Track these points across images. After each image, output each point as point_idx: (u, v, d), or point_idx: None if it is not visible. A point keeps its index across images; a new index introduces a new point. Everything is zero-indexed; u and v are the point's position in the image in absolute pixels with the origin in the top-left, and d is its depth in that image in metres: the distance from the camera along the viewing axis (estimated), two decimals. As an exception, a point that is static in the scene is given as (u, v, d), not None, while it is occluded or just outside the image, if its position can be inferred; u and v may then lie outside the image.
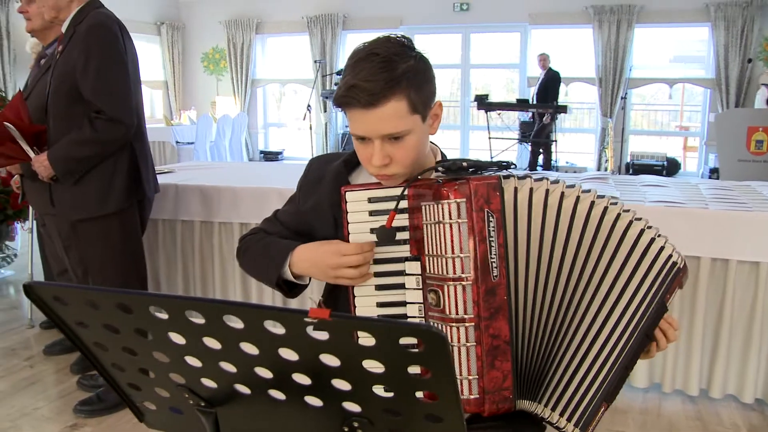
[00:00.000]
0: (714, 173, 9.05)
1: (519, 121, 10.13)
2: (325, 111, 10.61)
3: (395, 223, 1.36)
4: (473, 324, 1.26)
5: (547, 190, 1.31)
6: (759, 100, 6.90)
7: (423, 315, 1.34)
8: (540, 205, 1.30)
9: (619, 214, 1.32)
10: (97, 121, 2.45)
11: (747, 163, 5.47)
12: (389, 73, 1.27)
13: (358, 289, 1.42)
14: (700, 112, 10.70)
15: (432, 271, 1.31)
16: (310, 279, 1.54)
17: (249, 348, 0.77)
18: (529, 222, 1.30)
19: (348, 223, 1.43)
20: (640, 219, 1.35)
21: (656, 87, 10.84)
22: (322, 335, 0.71)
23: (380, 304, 1.41)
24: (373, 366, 0.74)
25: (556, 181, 1.33)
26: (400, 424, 0.82)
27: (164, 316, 0.78)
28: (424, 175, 1.35)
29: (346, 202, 1.43)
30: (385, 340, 0.70)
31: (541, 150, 9.67)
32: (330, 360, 0.75)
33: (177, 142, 9.04)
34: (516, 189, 1.30)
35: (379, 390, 0.78)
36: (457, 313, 1.26)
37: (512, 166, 1.39)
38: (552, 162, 9.54)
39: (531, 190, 1.30)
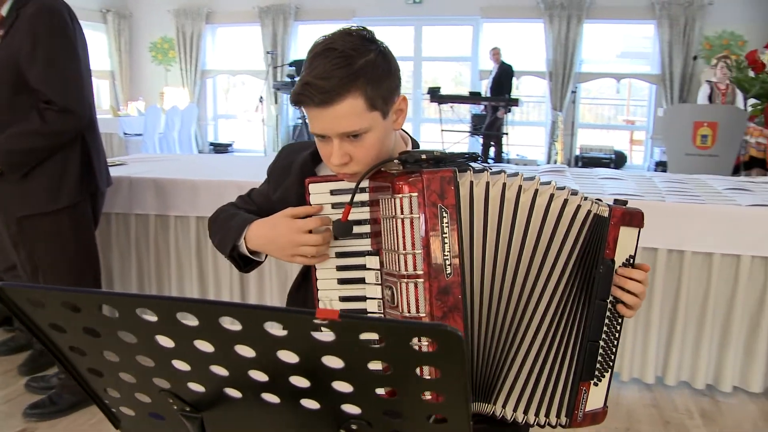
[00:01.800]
0: (659, 166, 9.28)
1: (471, 113, 10.20)
2: (276, 102, 10.48)
3: (356, 216, 1.34)
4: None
5: (504, 184, 1.26)
6: (701, 96, 7.08)
7: (382, 310, 1.32)
8: (497, 199, 1.26)
9: (579, 205, 1.29)
10: (47, 112, 2.34)
11: (693, 156, 5.62)
12: (345, 70, 1.22)
13: (321, 282, 1.40)
14: (646, 106, 10.96)
15: (388, 267, 1.27)
16: (266, 256, 1.50)
17: (245, 351, 0.74)
18: (485, 217, 1.26)
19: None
20: (604, 208, 1.32)
21: (604, 82, 11.04)
22: (328, 336, 0.68)
23: (343, 299, 1.39)
24: (377, 367, 0.72)
25: (515, 174, 1.28)
26: (401, 425, 0.80)
27: (153, 318, 0.74)
28: (385, 167, 1.30)
29: (309, 193, 1.40)
30: (396, 341, 0.67)
31: (492, 143, 9.75)
32: (333, 362, 0.72)
33: (125, 133, 8.80)
34: (472, 183, 1.24)
35: (381, 391, 0.76)
36: (409, 312, 1.22)
37: (478, 159, 1.36)
38: (503, 154, 9.63)
39: (488, 183, 1.25)
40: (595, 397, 1.37)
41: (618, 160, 10.27)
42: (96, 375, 0.89)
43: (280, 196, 1.53)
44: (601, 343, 1.35)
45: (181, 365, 0.81)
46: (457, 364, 0.68)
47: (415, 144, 1.53)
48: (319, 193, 1.41)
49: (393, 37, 11.15)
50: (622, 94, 11.65)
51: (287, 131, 11.00)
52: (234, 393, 0.83)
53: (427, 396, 0.76)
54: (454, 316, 1.22)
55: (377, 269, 1.33)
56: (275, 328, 0.70)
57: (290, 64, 8.59)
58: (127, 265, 3.40)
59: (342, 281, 1.39)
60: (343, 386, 0.76)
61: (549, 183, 1.31)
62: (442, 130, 9.39)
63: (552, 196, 1.29)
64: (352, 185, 1.36)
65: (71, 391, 2.67)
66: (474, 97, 9.29)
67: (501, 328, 1.31)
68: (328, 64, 1.22)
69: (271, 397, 0.81)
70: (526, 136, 11.34)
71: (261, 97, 8.48)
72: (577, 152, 10.33)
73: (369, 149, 1.31)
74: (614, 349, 1.38)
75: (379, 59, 1.28)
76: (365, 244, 1.36)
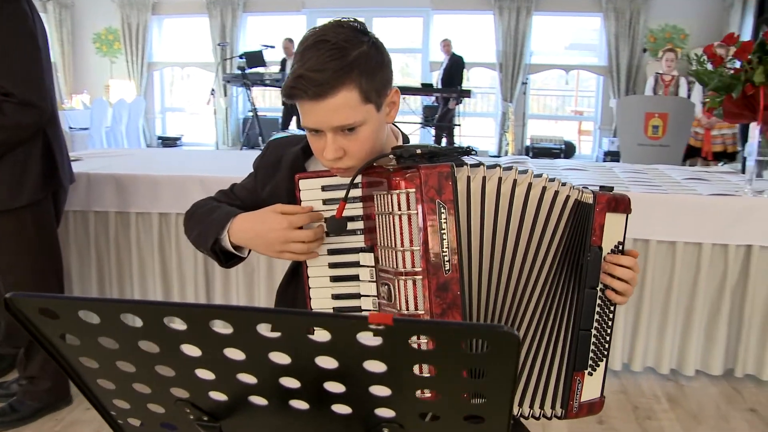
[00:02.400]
0: (608, 156, 9.48)
1: (422, 105, 10.22)
2: (225, 95, 10.30)
3: (349, 212, 1.31)
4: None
5: (500, 178, 1.25)
6: (648, 87, 7.26)
7: (377, 308, 1.29)
8: (493, 193, 1.24)
9: (567, 195, 1.29)
10: (5, 105, 2.23)
11: (645, 147, 5.75)
12: (339, 62, 1.19)
13: (313, 280, 1.36)
14: (594, 97, 11.17)
15: (384, 264, 1.25)
16: (249, 251, 1.46)
17: (280, 357, 0.71)
18: (482, 212, 1.24)
19: None
20: (588, 195, 1.31)
21: (553, 73, 11.20)
22: (375, 341, 0.66)
23: (335, 296, 1.35)
24: (422, 370, 0.70)
25: (509, 168, 1.27)
26: (436, 426, 0.78)
27: (182, 327, 0.70)
28: (379, 162, 1.27)
29: (299, 190, 1.37)
30: (447, 343, 0.65)
31: (444, 134, 9.80)
32: (374, 366, 0.70)
33: (70, 127, 8.52)
34: (469, 178, 1.23)
35: (422, 394, 0.74)
36: (407, 309, 1.20)
37: (472, 153, 1.35)
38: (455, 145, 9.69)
39: (484, 178, 1.24)
40: (590, 387, 1.37)
41: (567, 150, 10.45)
42: (106, 386, 0.85)
43: (270, 191, 1.49)
44: (594, 332, 1.35)
45: (205, 374, 0.77)
46: (508, 365, 0.67)
47: (406, 138, 1.51)
48: (309, 188, 1.38)
49: (344, 28, 11.09)
50: (570, 85, 11.85)
51: (237, 124, 10.83)
52: (259, 401, 0.80)
53: (468, 397, 0.74)
54: (453, 312, 1.21)
55: (372, 266, 1.30)
56: (319, 335, 0.67)
57: (240, 56, 8.43)
58: (86, 265, 3.29)
59: (335, 279, 1.36)
60: (381, 390, 0.74)
61: (541, 175, 1.30)
62: (394, 122, 9.36)
63: (544, 188, 1.28)
64: (344, 181, 1.33)
65: (33, 398, 2.58)
66: (426, 89, 9.30)
67: (496, 322, 1.30)
68: (321, 57, 1.19)
69: (299, 404, 0.79)
70: (476, 127, 11.44)
71: (213, 90, 8.32)
72: (528, 143, 10.47)
73: (363, 143, 1.28)
74: (608, 338, 1.38)
75: (372, 51, 1.25)
76: (358, 241, 1.33)
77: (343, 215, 1.30)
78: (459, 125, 9.49)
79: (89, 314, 0.74)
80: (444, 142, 9.80)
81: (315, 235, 1.31)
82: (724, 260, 2.92)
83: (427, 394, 0.75)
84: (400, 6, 10.37)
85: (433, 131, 10.01)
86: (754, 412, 2.76)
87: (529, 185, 1.27)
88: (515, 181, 1.27)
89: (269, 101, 11.47)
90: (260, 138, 8.16)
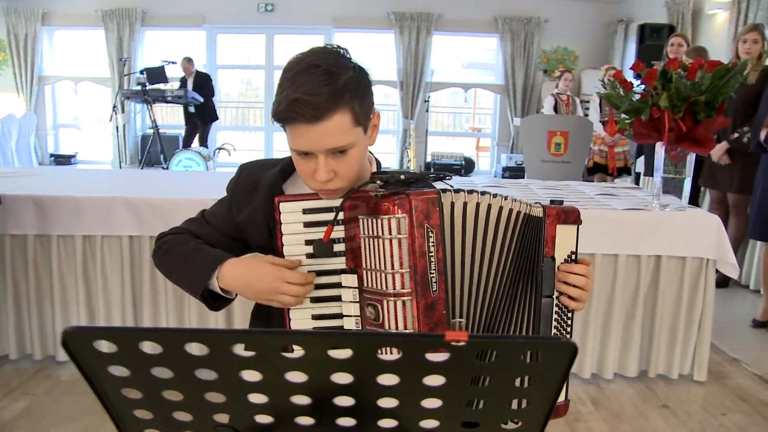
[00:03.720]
0: (507, 171, 9.86)
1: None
2: (123, 112, 9.96)
3: (322, 235, 1.34)
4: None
5: (478, 203, 1.34)
6: (547, 107, 7.62)
7: (360, 327, 1.33)
8: (472, 216, 1.33)
9: (519, 212, 1.36)
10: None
11: (548, 163, 6.04)
12: (332, 86, 1.23)
13: None
14: (491, 115, 11.58)
15: (370, 286, 1.30)
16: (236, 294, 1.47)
17: (342, 378, 0.75)
18: (463, 234, 1.33)
19: (282, 234, 1.39)
20: (538, 209, 1.38)
21: (452, 91, 11.54)
22: (442, 357, 0.71)
23: (316, 317, 1.38)
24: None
25: (484, 193, 1.36)
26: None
27: (248, 353, 0.72)
28: (363, 188, 1.32)
29: (279, 213, 1.39)
30: (506, 356, 0.71)
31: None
32: (434, 380, 0.75)
33: (-46, 145, 8.01)
34: (453, 203, 1.31)
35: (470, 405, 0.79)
36: (396, 328, 1.25)
37: (447, 177, 1.42)
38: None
39: (465, 203, 1.33)
40: None
41: (467, 166, 10.77)
42: (144, 416, 0.85)
43: (247, 215, 1.49)
44: None
45: (258, 398, 0.79)
46: (560, 373, 0.73)
47: (378, 162, 1.56)
48: (290, 212, 1.40)
49: (244, 45, 11.00)
50: (469, 103, 12.24)
51: (135, 141, 10.49)
52: (306, 421, 0.83)
53: (513, 404, 0.80)
54: (439, 330, 1.27)
55: (355, 287, 1.35)
56: (389, 354, 0.71)
57: (141, 72, 8.19)
58: (1, 292, 3.12)
59: (315, 300, 1.39)
60: (432, 402, 0.79)
61: (506, 197, 1.38)
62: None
63: (501, 207, 1.35)
64: (326, 204, 1.37)
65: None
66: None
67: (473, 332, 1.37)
68: (315, 81, 1.23)
69: (347, 421, 0.82)
70: (378, 144, 11.56)
71: (114, 106, 8.03)
72: (429, 159, 10.71)
73: (353, 165, 1.32)
74: None
75: (360, 75, 1.31)
76: (339, 263, 1.37)
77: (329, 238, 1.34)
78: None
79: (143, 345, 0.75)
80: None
81: (304, 291, 1.34)
82: (637, 270, 3.14)
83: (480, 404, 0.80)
84: (302, 24, 10.38)
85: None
86: (666, 408, 2.97)
87: (500, 208, 1.36)
88: (489, 205, 1.35)
89: (169, 118, 11.19)
90: (162, 156, 7.94)
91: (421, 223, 1.26)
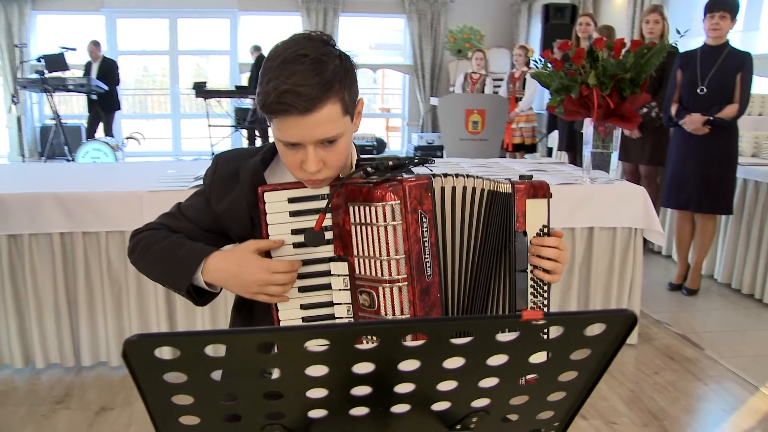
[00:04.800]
0: (418, 150, 9.99)
1: (234, 108, 10.04)
2: (18, 102, 9.39)
3: (309, 224, 1.33)
4: (346, 322, 1.28)
5: (465, 187, 1.36)
6: (458, 85, 7.76)
7: (352, 315, 1.33)
8: (459, 199, 1.35)
9: (489, 190, 1.38)
10: None
11: (467, 141, 6.17)
12: (322, 76, 1.20)
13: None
14: (400, 95, 11.68)
15: (363, 273, 1.29)
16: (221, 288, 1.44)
17: (408, 365, 0.75)
18: (453, 217, 1.35)
19: (267, 224, 1.37)
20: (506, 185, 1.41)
21: (361, 72, 11.52)
22: (512, 336, 0.73)
23: (304, 306, 1.36)
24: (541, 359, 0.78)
25: (458, 176, 1.37)
26: (522, 406, 0.86)
27: (320, 348, 0.72)
28: (353, 176, 1.31)
29: (264, 202, 1.36)
30: (574, 330, 0.74)
31: (257, 135, 9.76)
32: (497, 360, 0.76)
33: None
34: (443, 188, 1.33)
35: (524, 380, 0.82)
36: (394, 314, 1.26)
37: (431, 162, 1.44)
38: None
39: (453, 188, 1.34)
40: None
41: (379, 147, 10.84)
42: (189, 422, 0.83)
43: (228, 206, 1.45)
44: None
45: (318, 393, 0.79)
46: (617, 343, 0.77)
47: (357, 149, 1.55)
48: (275, 201, 1.37)
49: (147, 29, 10.59)
50: (378, 84, 12.29)
51: (33, 133, 9.94)
52: (361, 411, 0.83)
53: (563, 377, 0.83)
54: (434, 313, 1.29)
55: (345, 275, 1.34)
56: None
57: (39, 59, 7.75)
58: None
59: (303, 289, 1.37)
60: (490, 382, 0.81)
61: (481, 178, 1.40)
62: (210, 126, 9.15)
63: (490, 190, 1.38)
64: (311, 192, 1.35)
65: None
66: (241, 91, 9.18)
67: (460, 314, 1.40)
68: (305, 71, 1.20)
69: (401, 408, 0.83)
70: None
71: (14, 96, 7.57)
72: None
73: (341, 154, 1.31)
74: None
75: (346, 63, 1.28)
76: (326, 251, 1.36)
77: (321, 227, 1.32)
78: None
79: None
80: (258, 143, 9.74)
81: (291, 280, 1.32)
82: (572, 242, 3.27)
83: (529, 377, 0.83)
84: (206, 7, 10.10)
85: (245, 133, 9.92)
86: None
87: (482, 190, 1.38)
88: (474, 188, 1.37)
89: (71, 108, 10.65)
90: (66, 148, 7.57)
91: (414, 208, 1.26)
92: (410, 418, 0.85)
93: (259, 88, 1.25)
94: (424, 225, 1.28)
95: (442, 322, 0.71)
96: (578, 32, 5.99)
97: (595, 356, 0.80)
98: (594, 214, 3.24)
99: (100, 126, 8.71)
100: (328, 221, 1.35)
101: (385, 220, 1.25)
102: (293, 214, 1.37)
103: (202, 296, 1.43)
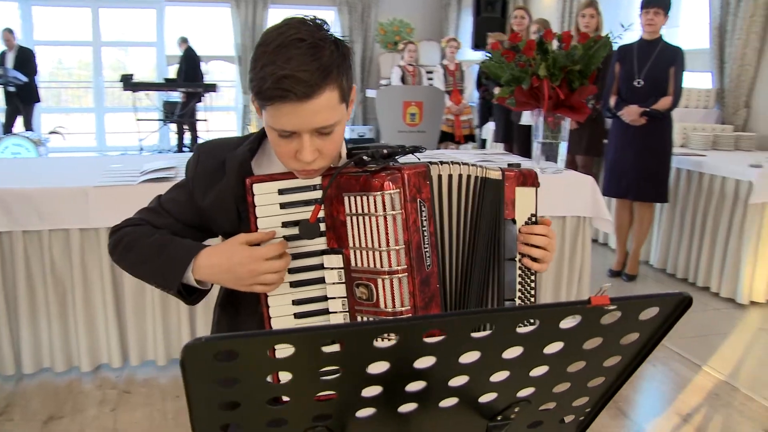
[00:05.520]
0: (349, 143, 9.90)
1: (162, 101, 9.76)
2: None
3: (304, 215, 1.29)
4: (410, 315, 1.24)
5: (460, 174, 1.34)
6: (395, 78, 7.77)
7: (347, 309, 1.29)
8: (456, 187, 1.33)
9: (483, 177, 1.37)
10: None
11: (405, 133, 6.19)
12: (319, 61, 1.16)
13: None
14: (331, 88, 11.60)
15: (360, 265, 1.26)
16: (212, 284, 1.38)
17: (470, 357, 0.74)
18: (450, 205, 1.33)
19: (256, 217, 1.32)
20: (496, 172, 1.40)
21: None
22: (573, 322, 0.72)
23: (296, 302, 1.32)
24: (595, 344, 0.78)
25: (457, 163, 1.35)
26: (561, 395, 0.86)
27: (387, 344, 0.69)
28: (349, 165, 1.26)
29: (253, 194, 1.31)
30: (630, 315, 0.74)
31: (187, 129, 9.52)
32: (553, 347, 0.76)
33: None
34: (440, 176, 1.31)
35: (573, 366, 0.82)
36: (394, 307, 1.23)
37: (421, 150, 1.42)
38: (198, 140, 9.45)
39: (450, 175, 1.32)
40: None
41: (313, 140, 10.73)
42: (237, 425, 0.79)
43: (214, 199, 1.39)
44: (518, 301, 1.45)
45: (372, 390, 0.76)
46: (668, 326, 0.78)
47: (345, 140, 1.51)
48: (264, 193, 1.31)
49: (67, 19, 10.15)
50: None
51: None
52: (409, 408, 0.81)
53: (608, 362, 0.83)
54: (434, 303, 1.28)
55: (340, 268, 1.31)
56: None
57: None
58: None
59: (295, 284, 1.33)
60: (540, 370, 0.80)
61: (472, 165, 1.38)
62: (138, 120, 8.87)
63: (483, 177, 1.38)
64: (303, 183, 1.31)
65: None
66: (170, 84, 8.93)
67: (456, 303, 1.38)
68: (303, 56, 1.15)
69: (449, 402, 0.82)
70: (218, 122, 11.24)
71: None
72: (272, 135, 10.56)
73: (337, 143, 1.27)
74: None
75: (342, 49, 1.24)
76: (317, 244, 1.32)
77: (291, 219, 1.29)
78: (206, 120, 9.26)
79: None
80: (187, 137, 9.50)
81: (285, 265, 1.28)
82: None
83: (580, 365, 0.83)
84: (130, -4, 9.78)
85: (173, 127, 9.65)
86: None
87: (476, 176, 1.37)
88: (469, 176, 1.36)
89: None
90: (-17, 143, 7.18)
91: (414, 197, 1.24)
92: (452, 413, 0.83)
93: (252, 74, 1.20)
94: (423, 214, 1.25)
95: (511, 312, 0.70)
96: (513, 25, 6.09)
97: (642, 340, 0.81)
98: (545, 203, 3.27)
99: (19, 120, 8.29)
100: (320, 213, 1.31)
101: (384, 210, 1.22)
102: (283, 206, 1.32)
103: (191, 294, 1.37)
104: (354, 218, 1.26)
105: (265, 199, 1.32)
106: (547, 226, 1.45)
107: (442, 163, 1.33)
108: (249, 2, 10.04)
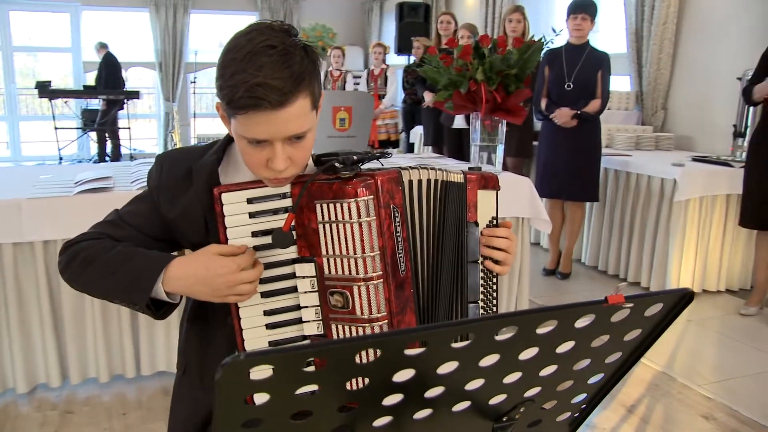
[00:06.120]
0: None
1: (80, 108, 9.42)
2: None
3: (274, 224, 1.27)
4: (386, 321, 1.25)
5: (428, 179, 1.34)
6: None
7: (320, 318, 1.29)
8: (425, 191, 1.33)
9: (447, 181, 1.38)
10: None
11: (335, 138, 6.15)
12: (291, 69, 1.14)
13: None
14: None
15: (334, 272, 1.26)
16: (181, 297, 1.34)
17: (490, 359, 0.75)
18: (420, 210, 1.33)
19: (225, 227, 1.29)
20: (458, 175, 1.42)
21: (213, 71, 11.20)
22: (587, 321, 0.74)
23: (268, 312, 1.29)
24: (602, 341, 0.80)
25: (425, 168, 1.36)
26: (562, 393, 0.89)
27: (416, 352, 0.69)
28: (324, 172, 1.25)
29: (221, 204, 1.28)
30: (639, 310, 0.77)
31: (108, 137, 9.23)
32: (565, 347, 0.78)
33: None
34: (411, 181, 1.31)
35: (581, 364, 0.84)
36: (370, 313, 1.23)
37: (388, 155, 1.43)
38: (120, 148, 9.16)
39: (420, 180, 1.33)
40: None
41: (231, 146, 10.56)
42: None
43: (181, 211, 1.34)
44: (480, 303, 1.48)
45: (393, 399, 0.76)
46: (669, 321, 0.81)
47: None
48: (233, 202, 1.28)
49: (-28, 23, 9.65)
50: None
51: None
52: (424, 413, 0.81)
53: (610, 358, 0.86)
54: (409, 308, 1.28)
55: (312, 276, 1.29)
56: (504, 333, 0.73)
57: None
58: None
59: (266, 294, 1.30)
60: (549, 369, 0.82)
61: (436, 169, 1.39)
62: (56, 128, 8.52)
63: (447, 181, 1.38)
64: (271, 191, 1.29)
65: None
66: (92, 91, 8.62)
67: (424, 309, 1.39)
68: (275, 63, 1.13)
69: (462, 405, 0.82)
70: (140, 129, 10.95)
71: None
72: (195, 142, 10.35)
73: (308, 150, 1.25)
74: (494, 309, 1.55)
75: (311, 54, 1.22)
76: (290, 252, 1.31)
77: (261, 228, 1.27)
78: (129, 128, 8.98)
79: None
80: (109, 145, 9.20)
81: (259, 274, 1.25)
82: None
83: (585, 362, 0.85)
84: (44, 0, 9.39)
85: (94, 135, 9.33)
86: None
87: (443, 181, 1.38)
88: (437, 180, 1.37)
89: None
90: None
91: (387, 203, 1.24)
92: (460, 417, 0.84)
93: (221, 82, 1.17)
94: (396, 220, 1.25)
95: (532, 314, 0.71)
96: (440, 30, 6.19)
97: (642, 336, 0.84)
98: (484, 206, 3.35)
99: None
100: (280, 222, 1.29)
101: (359, 217, 1.21)
102: (252, 215, 1.29)
103: (159, 309, 1.32)
104: (327, 226, 1.25)
105: (234, 208, 1.29)
106: (508, 228, 1.47)
107: (411, 168, 1.34)
108: (169, 7, 9.82)
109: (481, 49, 3.24)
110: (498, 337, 0.72)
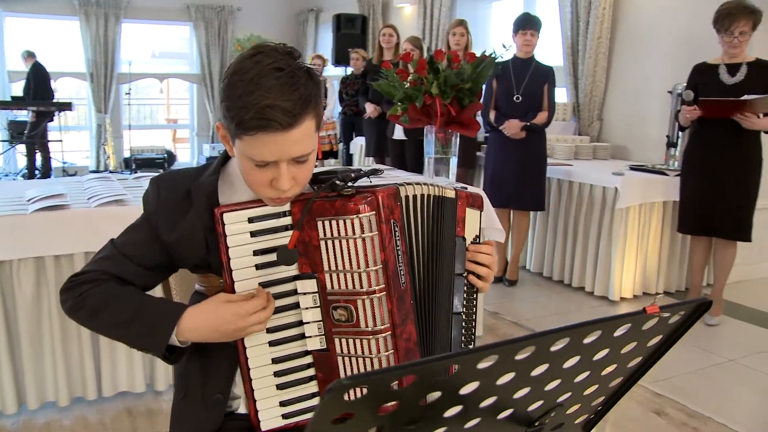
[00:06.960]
0: (211, 160, 9.74)
1: (7, 120, 9.07)
2: None
3: (275, 243, 1.31)
4: (390, 332, 1.29)
5: (423, 194, 1.39)
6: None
7: (323, 333, 1.32)
8: (420, 206, 1.39)
9: (442, 197, 1.44)
10: None
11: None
12: (299, 91, 1.17)
13: None
14: (188, 105, 11.30)
15: (337, 287, 1.30)
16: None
17: (539, 369, 0.80)
18: (416, 224, 1.38)
19: (227, 247, 1.31)
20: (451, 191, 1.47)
21: (146, 82, 10.99)
22: (624, 329, 0.81)
23: (270, 330, 1.33)
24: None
25: (419, 183, 1.41)
26: (586, 397, 0.95)
27: (487, 364, 0.75)
28: (326, 190, 1.29)
29: (223, 224, 1.31)
30: (663, 320, 0.84)
31: (37, 150, 8.93)
32: (601, 353, 0.85)
33: None
34: (407, 196, 1.36)
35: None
36: (375, 326, 1.28)
37: (380, 172, 1.47)
38: (51, 162, 8.88)
39: (415, 195, 1.38)
40: None
41: (170, 159, 10.41)
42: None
43: (182, 234, 1.34)
44: (463, 316, 1.53)
45: (453, 410, 0.81)
46: (687, 327, 0.89)
47: None
48: (235, 222, 1.30)
49: None
50: (164, 94, 11.78)
51: None
52: (472, 423, 0.86)
53: (632, 363, 0.93)
54: (409, 319, 1.34)
55: (314, 292, 1.33)
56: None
57: None
58: None
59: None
60: (583, 376, 0.89)
61: (430, 185, 1.45)
62: (-19, 141, 8.20)
63: (441, 197, 1.44)
64: (272, 210, 1.31)
65: None
66: (20, 102, 8.31)
67: (421, 319, 1.44)
68: (283, 86, 1.16)
69: (504, 414, 0.88)
70: (71, 142, 10.63)
71: None
72: (128, 154, 10.12)
73: (310, 170, 1.29)
74: (474, 323, 1.56)
75: (314, 77, 1.25)
76: (291, 270, 1.33)
77: (264, 247, 1.30)
78: (60, 141, 8.71)
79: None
80: (38, 158, 8.89)
81: (270, 313, 1.29)
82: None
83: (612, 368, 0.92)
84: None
85: (22, 148, 9.01)
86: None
87: (437, 197, 1.43)
88: (430, 195, 1.42)
89: None
90: None
91: (387, 218, 1.29)
92: (498, 424, 0.90)
93: (229, 104, 1.19)
94: (396, 234, 1.30)
95: (584, 326, 0.77)
96: (382, 43, 6.26)
97: (662, 341, 0.91)
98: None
99: None
100: (284, 239, 1.32)
101: (362, 232, 1.26)
102: (254, 234, 1.31)
103: (173, 353, 1.34)
104: (329, 242, 1.29)
105: (236, 228, 1.31)
106: (491, 246, 1.53)
107: (407, 183, 1.39)
108: (100, 16, 9.59)
109: (435, 64, 3.32)
110: (553, 348, 0.77)
